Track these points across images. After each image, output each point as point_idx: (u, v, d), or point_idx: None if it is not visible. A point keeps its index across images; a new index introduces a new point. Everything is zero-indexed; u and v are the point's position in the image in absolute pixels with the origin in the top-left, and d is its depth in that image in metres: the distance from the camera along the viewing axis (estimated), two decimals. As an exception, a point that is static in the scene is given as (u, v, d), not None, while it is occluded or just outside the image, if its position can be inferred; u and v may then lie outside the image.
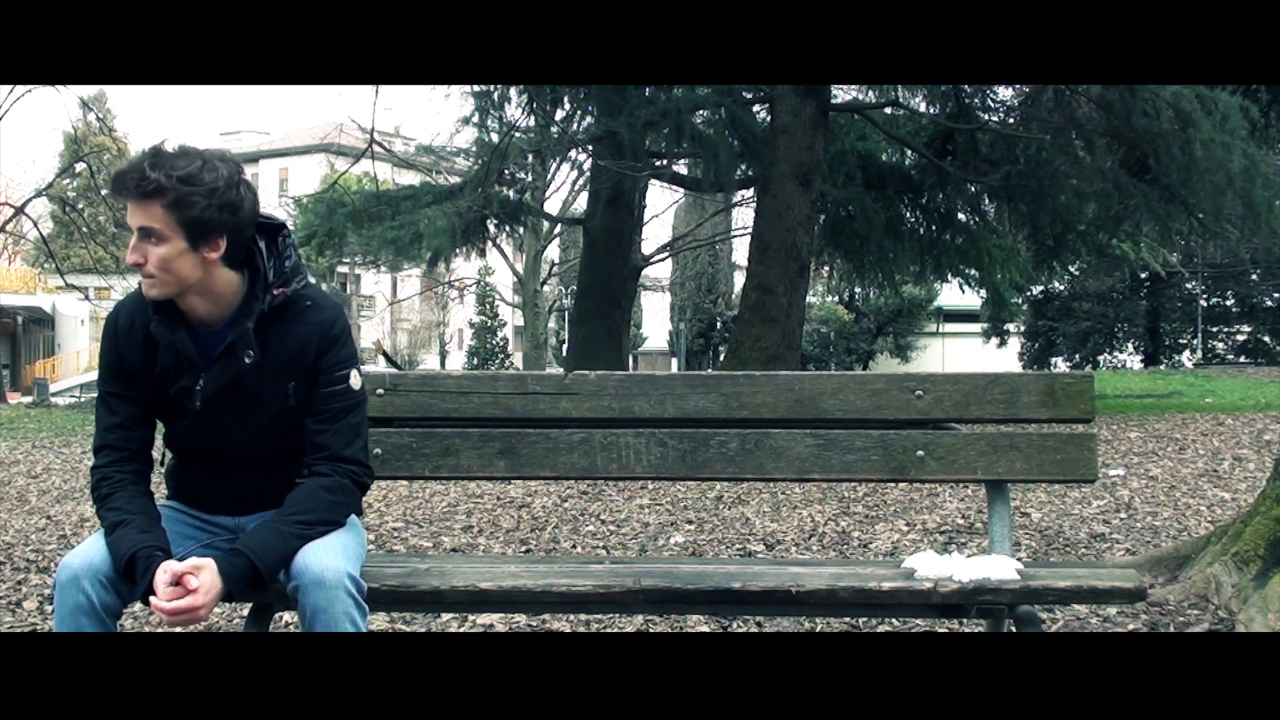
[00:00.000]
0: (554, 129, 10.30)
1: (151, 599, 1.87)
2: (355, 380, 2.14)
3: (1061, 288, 28.54)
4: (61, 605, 1.91)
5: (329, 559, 1.94)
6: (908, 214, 11.67)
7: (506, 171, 11.26)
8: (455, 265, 22.85)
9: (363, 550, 2.12)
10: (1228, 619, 3.26)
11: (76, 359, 36.46)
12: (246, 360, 2.05)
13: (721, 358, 22.33)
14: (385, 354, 27.70)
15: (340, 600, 1.91)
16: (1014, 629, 2.29)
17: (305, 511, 2.05)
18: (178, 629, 2.09)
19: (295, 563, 1.96)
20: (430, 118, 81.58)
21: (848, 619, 3.21)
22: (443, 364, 38.73)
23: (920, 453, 2.51)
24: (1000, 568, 2.18)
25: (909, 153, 11.52)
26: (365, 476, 2.15)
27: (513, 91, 9.92)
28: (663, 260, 24.71)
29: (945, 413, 2.54)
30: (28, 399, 25.55)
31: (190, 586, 1.86)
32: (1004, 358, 30.69)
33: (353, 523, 2.13)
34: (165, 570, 1.88)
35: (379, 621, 3.41)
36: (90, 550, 1.96)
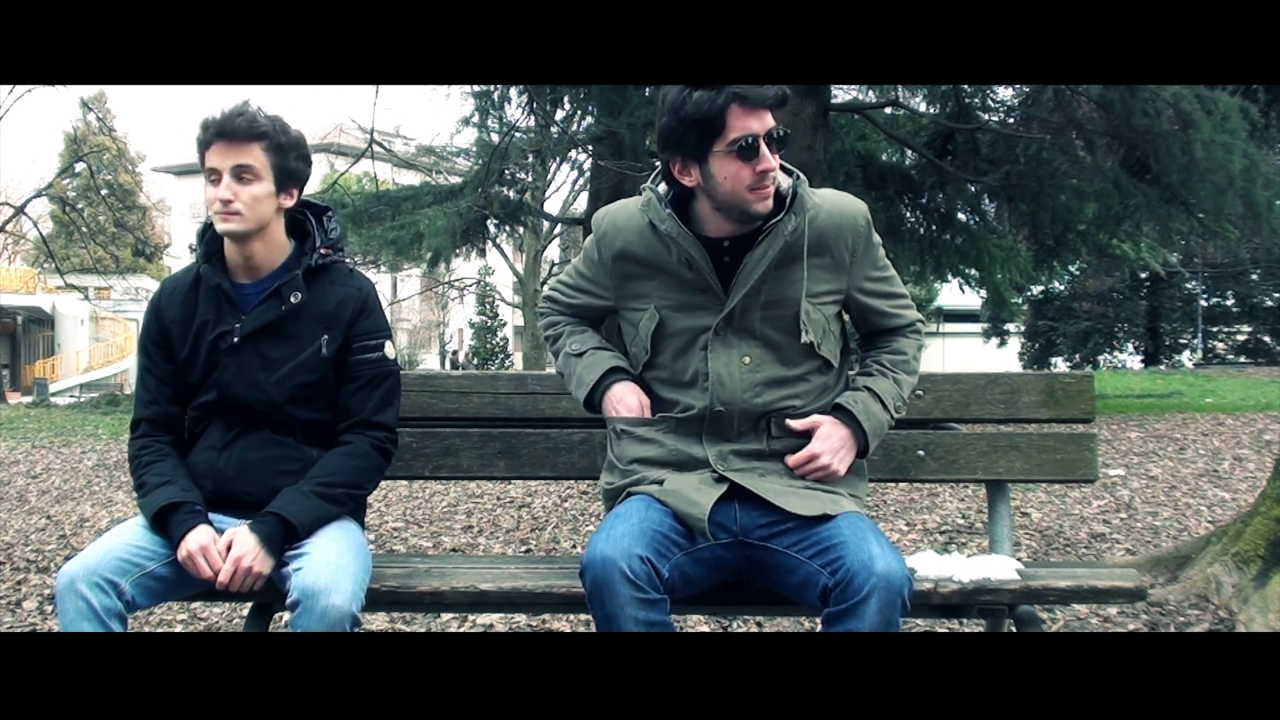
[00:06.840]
0: (554, 129, 10.25)
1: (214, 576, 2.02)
2: (389, 350, 2.26)
3: (1061, 288, 28.49)
4: (64, 613, 1.92)
5: (337, 599, 1.93)
6: (908, 214, 11.63)
7: (506, 171, 11.20)
8: (455, 265, 22.82)
9: (368, 575, 2.10)
10: (1228, 619, 3.27)
11: (76, 359, 36.43)
12: (293, 300, 2.16)
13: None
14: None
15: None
16: (1014, 629, 2.29)
17: (328, 474, 2.13)
18: (186, 627, 2.08)
19: (301, 583, 1.95)
20: (430, 118, 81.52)
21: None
22: (442, 364, 38.68)
23: (920, 453, 2.51)
24: (1000, 568, 2.18)
25: (909, 153, 11.48)
26: (390, 444, 2.24)
27: (513, 91, 9.89)
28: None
29: (945, 413, 2.54)
30: (27, 399, 25.55)
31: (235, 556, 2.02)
32: (1004, 358, 30.63)
33: (360, 546, 2.12)
34: (209, 548, 2.02)
35: (379, 621, 3.41)
36: (86, 556, 1.97)
